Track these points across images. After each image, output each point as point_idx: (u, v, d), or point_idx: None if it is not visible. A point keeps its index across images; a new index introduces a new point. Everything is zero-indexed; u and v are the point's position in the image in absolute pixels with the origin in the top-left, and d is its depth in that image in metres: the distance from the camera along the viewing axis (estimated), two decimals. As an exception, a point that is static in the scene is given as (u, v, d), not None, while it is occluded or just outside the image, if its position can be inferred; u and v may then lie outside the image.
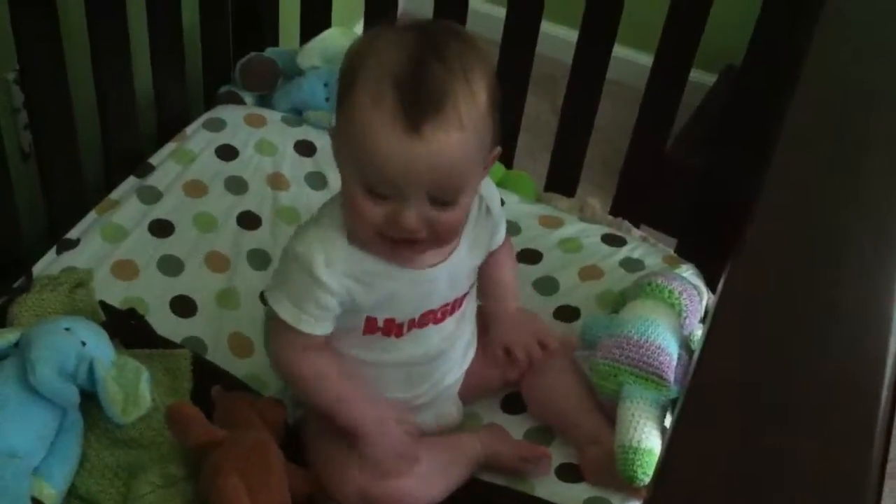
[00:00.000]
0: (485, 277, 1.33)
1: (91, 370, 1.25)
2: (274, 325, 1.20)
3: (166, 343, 1.41)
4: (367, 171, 1.07)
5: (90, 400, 1.27)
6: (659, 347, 1.36)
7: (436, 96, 1.04)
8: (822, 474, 0.83)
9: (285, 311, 1.16)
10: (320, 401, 1.23)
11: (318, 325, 1.17)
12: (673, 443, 0.87)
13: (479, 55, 1.10)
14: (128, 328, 1.41)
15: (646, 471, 1.27)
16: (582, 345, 1.43)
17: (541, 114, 2.25)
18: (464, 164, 1.08)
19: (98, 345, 1.29)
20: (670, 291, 1.43)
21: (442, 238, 1.14)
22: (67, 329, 1.27)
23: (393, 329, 1.21)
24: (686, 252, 1.66)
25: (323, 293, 1.15)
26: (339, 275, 1.15)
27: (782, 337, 0.89)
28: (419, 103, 1.04)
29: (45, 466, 1.21)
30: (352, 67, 1.09)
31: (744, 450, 0.85)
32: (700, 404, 0.88)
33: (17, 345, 1.27)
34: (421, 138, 1.04)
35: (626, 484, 1.27)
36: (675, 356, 1.38)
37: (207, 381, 1.36)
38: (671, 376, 1.36)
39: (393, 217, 1.09)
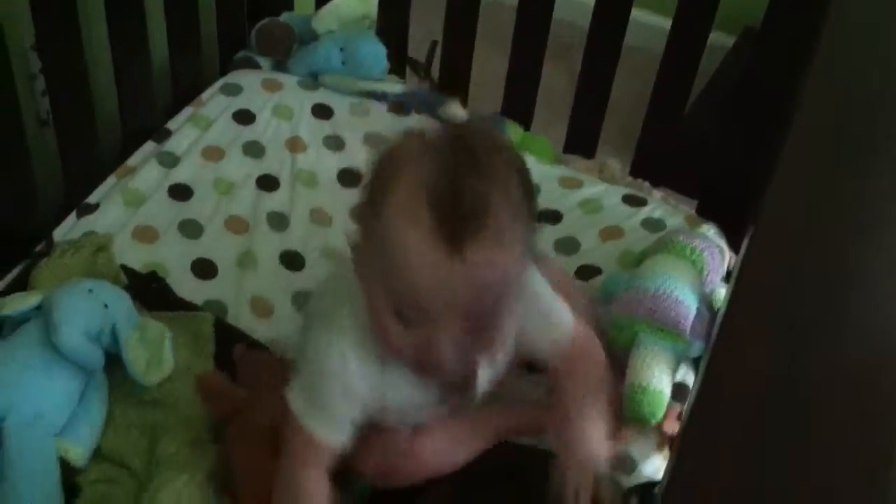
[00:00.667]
0: (552, 394, 1.21)
1: (114, 332, 1.26)
2: (287, 430, 1.13)
3: (187, 306, 1.41)
4: (400, 294, 0.99)
5: (114, 362, 1.27)
6: (676, 300, 1.37)
7: (476, 213, 0.95)
8: (841, 467, 0.84)
9: (299, 412, 1.10)
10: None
11: (336, 433, 1.11)
12: (687, 431, 0.88)
13: (513, 160, 1.03)
14: (149, 291, 1.41)
15: (654, 411, 1.28)
16: (601, 299, 1.44)
17: (556, 83, 2.24)
18: (506, 283, 1.01)
19: (120, 307, 1.29)
20: (692, 249, 1.43)
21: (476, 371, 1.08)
22: (90, 291, 1.27)
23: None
24: (707, 213, 1.65)
25: (348, 402, 1.10)
26: (365, 388, 1.10)
27: (803, 319, 0.90)
28: (459, 221, 0.95)
29: (71, 427, 1.21)
30: (381, 182, 1.00)
31: (759, 442, 0.86)
32: (716, 392, 0.89)
33: (39, 308, 1.27)
34: (462, 260, 0.95)
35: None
36: (693, 310, 1.38)
37: (229, 344, 1.36)
38: (687, 329, 1.36)
39: (425, 347, 1.01)
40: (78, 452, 1.20)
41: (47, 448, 1.18)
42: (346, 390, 1.09)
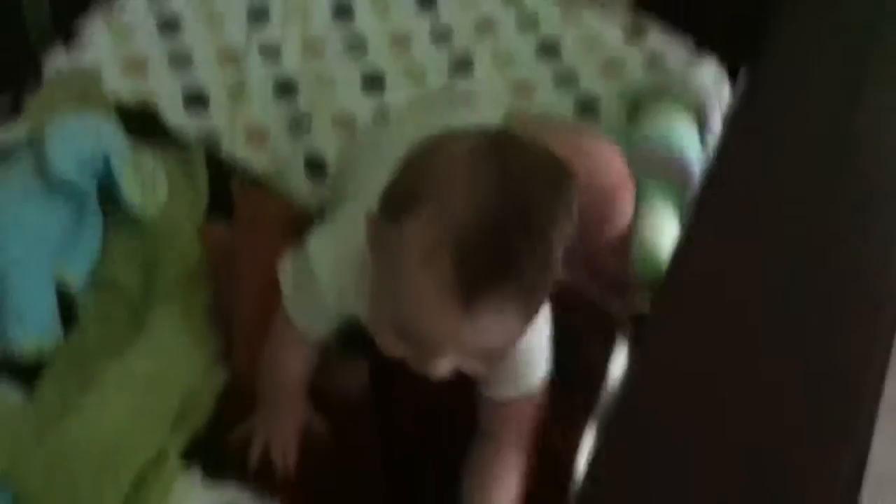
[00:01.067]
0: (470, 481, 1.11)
1: (106, 163, 1.24)
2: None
3: (178, 138, 1.39)
4: (403, 323, 0.91)
5: (108, 195, 1.26)
6: (681, 158, 1.37)
7: (502, 275, 0.84)
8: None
9: (286, 297, 1.07)
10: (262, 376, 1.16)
11: (318, 325, 1.09)
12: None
13: (564, 202, 0.88)
14: (140, 123, 1.39)
15: (658, 271, 1.28)
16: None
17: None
18: (519, 337, 0.93)
19: (112, 138, 1.27)
20: (691, 95, 1.43)
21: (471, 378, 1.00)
22: (81, 122, 1.26)
23: None
24: (706, 46, 1.62)
25: (332, 307, 1.05)
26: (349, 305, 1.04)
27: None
28: (481, 281, 0.84)
29: (67, 254, 1.21)
30: (409, 200, 0.88)
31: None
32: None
33: (30, 142, 1.25)
34: (474, 320, 0.85)
35: None
36: (696, 161, 1.38)
37: (223, 177, 1.35)
38: (693, 183, 1.36)
39: (420, 362, 0.93)
40: (75, 278, 1.20)
41: (44, 275, 1.18)
42: (331, 299, 1.04)
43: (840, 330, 0.96)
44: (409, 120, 1.25)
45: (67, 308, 1.21)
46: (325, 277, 1.02)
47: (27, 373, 1.16)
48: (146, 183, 1.28)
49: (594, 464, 1.12)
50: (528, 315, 0.89)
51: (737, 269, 1.10)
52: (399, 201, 0.89)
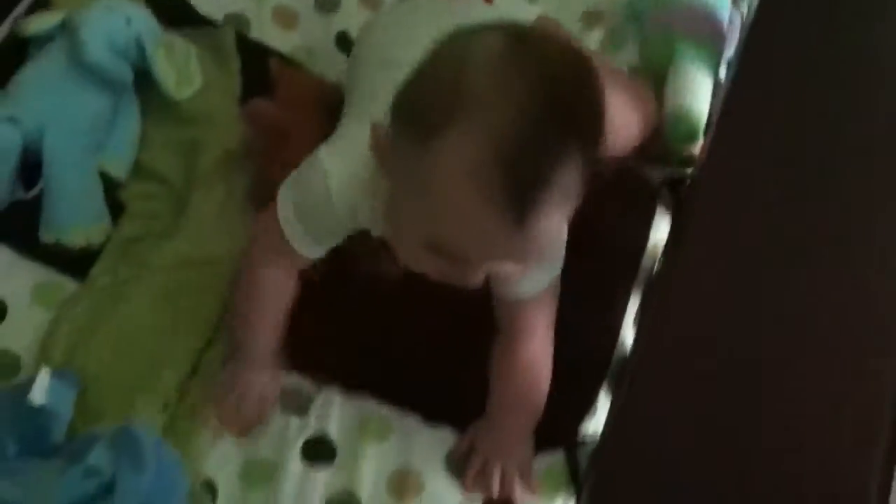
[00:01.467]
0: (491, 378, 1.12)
1: (139, 48, 1.24)
2: (266, 218, 1.06)
3: (208, 21, 1.38)
4: (442, 239, 0.87)
5: (144, 82, 1.27)
6: (711, 14, 1.35)
7: (548, 178, 0.82)
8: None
9: (285, 218, 1.03)
10: (234, 307, 1.14)
11: (311, 249, 1.06)
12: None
13: (600, 91, 0.85)
14: (170, 10, 1.37)
15: (695, 132, 1.28)
16: (629, 16, 1.42)
17: None
18: (560, 241, 0.97)
19: (144, 22, 1.27)
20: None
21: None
22: (113, 10, 1.24)
23: None
24: None
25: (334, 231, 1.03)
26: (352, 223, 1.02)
27: None
28: (533, 188, 0.82)
29: (108, 143, 1.23)
30: (435, 109, 0.83)
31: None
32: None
33: (62, 28, 1.25)
34: (522, 228, 0.83)
35: None
36: (727, 18, 1.36)
37: (254, 59, 1.35)
38: (724, 40, 1.35)
39: (456, 275, 0.91)
40: (117, 166, 1.22)
41: (87, 163, 1.19)
42: (343, 214, 1.01)
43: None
44: (423, 16, 1.19)
45: (112, 197, 1.22)
46: (338, 192, 0.99)
47: (78, 262, 1.18)
48: (180, 68, 1.28)
49: (641, 329, 1.15)
50: (568, 214, 0.89)
51: (778, 130, 1.11)
52: (424, 119, 0.84)
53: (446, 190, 0.82)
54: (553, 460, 1.13)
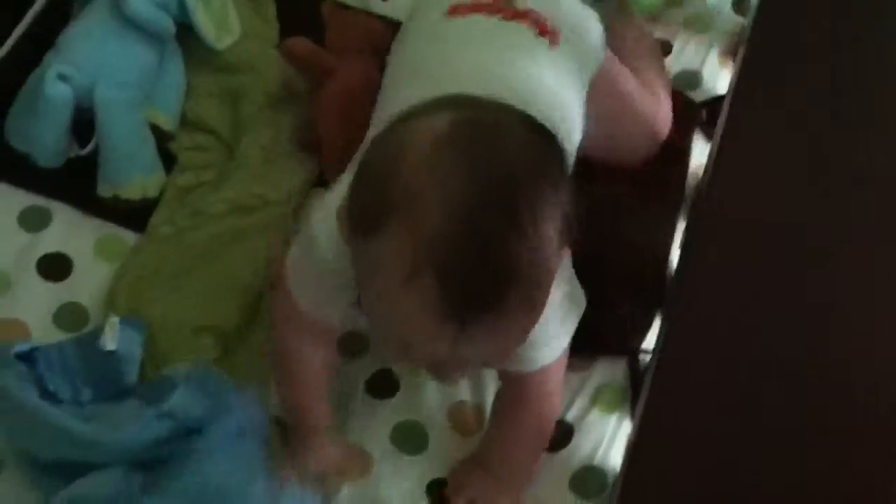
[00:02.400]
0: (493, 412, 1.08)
1: (180, 2, 1.26)
2: (279, 287, 1.02)
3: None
4: (401, 343, 0.82)
5: (185, 35, 1.29)
6: None
7: (495, 281, 0.74)
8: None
9: (292, 284, 0.97)
10: (277, 385, 1.09)
11: (323, 313, 0.99)
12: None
13: (551, 174, 0.78)
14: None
15: None
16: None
17: None
18: (529, 331, 0.82)
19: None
20: None
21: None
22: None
23: None
24: None
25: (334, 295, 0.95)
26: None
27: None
28: (472, 294, 0.74)
29: (155, 95, 1.26)
30: (375, 204, 0.77)
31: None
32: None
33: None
34: (469, 338, 0.76)
35: None
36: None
37: (292, 5, 1.37)
38: None
39: (435, 374, 0.86)
40: (166, 118, 1.25)
41: (138, 115, 1.22)
42: (334, 279, 0.92)
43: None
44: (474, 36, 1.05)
45: (163, 149, 1.25)
46: (326, 252, 0.90)
47: (137, 215, 1.22)
48: (218, 19, 1.30)
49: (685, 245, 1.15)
50: (535, 310, 0.79)
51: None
52: (365, 215, 0.78)
53: (388, 294, 0.77)
54: (614, 373, 1.14)
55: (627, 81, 1.16)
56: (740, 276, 1.03)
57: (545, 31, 1.04)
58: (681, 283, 1.07)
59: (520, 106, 0.83)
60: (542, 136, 0.80)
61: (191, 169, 1.26)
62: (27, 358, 1.06)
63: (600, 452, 1.10)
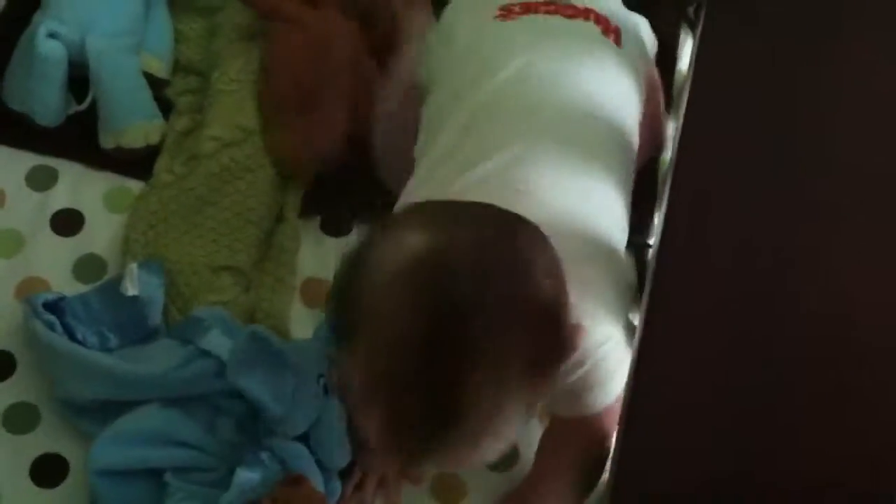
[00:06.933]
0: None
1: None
2: None
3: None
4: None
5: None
6: None
7: (438, 420, 0.73)
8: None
9: None
10: None
11: None
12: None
13: (531, 294, 0.75)
14: None
15: None
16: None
17: None
18: (495, 453, 0.79)
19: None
20: None
21: None
22: None
23: None
24: None
25: None
26: None
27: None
28: (414, 431, 0.74)
29: (146, 42, 1.27)
30: (346, 321, 0.78)
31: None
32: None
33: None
34: (414, 464, 0.81)
35: None
36: None
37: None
38: None
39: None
40: (160, 65, 1.26)
41: (131, 61, 1.24)
42: None
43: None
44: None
45: (160, 97, 1.27)
46: None
47: (143, 164, 1.23)
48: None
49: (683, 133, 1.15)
50: (480, 446, 0.76)
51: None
52: (339, 327, 0.79)
53: (352, 399, 0.78)
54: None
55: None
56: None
57: (609, 29, 1.03)
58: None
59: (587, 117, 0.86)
60: (515, 253, 0.77)
61: (187, 114, 1.27)
62: (54, 309, 1.09)
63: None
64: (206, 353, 1.04)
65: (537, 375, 0.76)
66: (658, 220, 1.10)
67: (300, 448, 1.01)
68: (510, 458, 1.07)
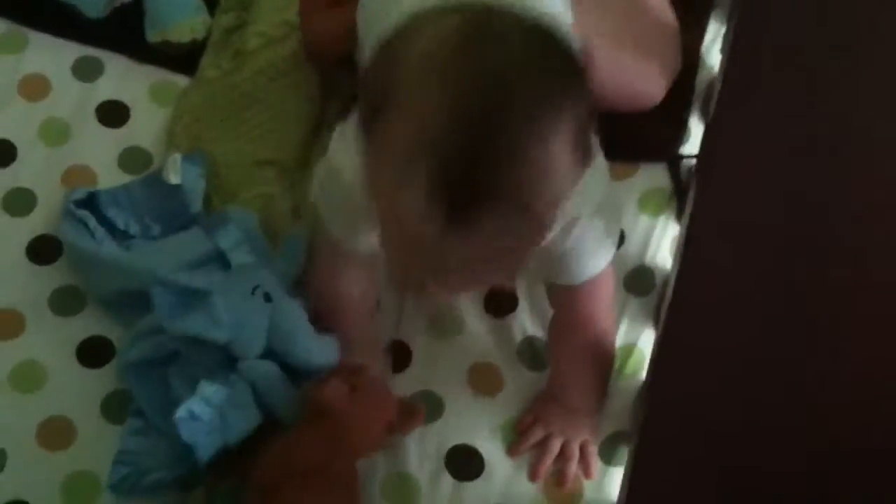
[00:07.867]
0: (551, 345, 1.07)
1: None
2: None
3: None
4: (397, 244, 0.81)
5: None
6: None
7: (488, 187, 0.72)
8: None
9: (321, 215, 0.99)
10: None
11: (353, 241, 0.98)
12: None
13: (568, 81, 0.75)
14: None
15: None
16: None
17: None
18: (535, 242, 0.79)
19: None
20: None
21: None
22: None
23: None
24: None
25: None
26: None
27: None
28: (463, 196, 0.72)
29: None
30: (379, 94, 0.76)
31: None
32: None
33: None
34: (460, 241, 0.73)
35: None
36: None
37: None
38: None
39: (435, 285, 0.83)
40: None
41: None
42: (360, 199, 0.86)
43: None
44: None
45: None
46: (348, 173, 0.88)
47: (188, 59, 1.24)
48: None
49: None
50: (537, 222, 0.77)
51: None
52: (370, 104, 0.77)
53: (382, 186, 0.76)
54: (657, 176, 1.18)
55: None
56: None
57: None
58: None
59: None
60: (560, 49, 0.76)
61: (232, 10, 1.27)
62: (87, 205, 1.11)
63: (649, 253, 1.14)
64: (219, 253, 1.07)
65: (577, 164, 0.76)
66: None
67: (266, 364, 1.00)
68: (543, 361, 1.10)
